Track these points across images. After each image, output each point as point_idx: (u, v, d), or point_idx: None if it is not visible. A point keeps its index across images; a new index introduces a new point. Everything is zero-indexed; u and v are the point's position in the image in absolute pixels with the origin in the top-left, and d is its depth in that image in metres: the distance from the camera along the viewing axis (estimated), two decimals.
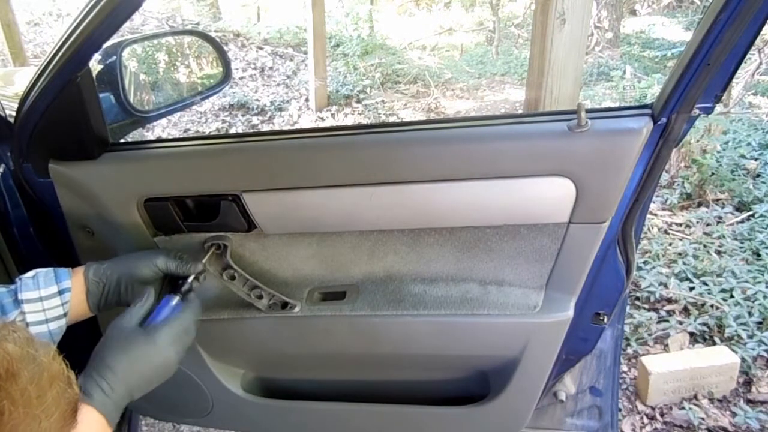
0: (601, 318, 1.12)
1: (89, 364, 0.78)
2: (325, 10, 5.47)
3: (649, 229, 3.06)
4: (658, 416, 1.93)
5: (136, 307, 0.86)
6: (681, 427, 1.88)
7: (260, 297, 1.10)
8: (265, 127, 5.25)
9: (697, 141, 3.38)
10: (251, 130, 5.16)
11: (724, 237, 2.89)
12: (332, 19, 7.19)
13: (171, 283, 0.99)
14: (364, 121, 5.35)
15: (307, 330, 1.14)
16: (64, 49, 0.88)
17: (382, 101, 5.76)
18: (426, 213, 1.01)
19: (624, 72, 5.36)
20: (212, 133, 5.00)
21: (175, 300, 0.91)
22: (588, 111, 0.88)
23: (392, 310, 1.09)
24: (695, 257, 2.73)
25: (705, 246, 2.83)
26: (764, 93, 5.23)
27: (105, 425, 0.73)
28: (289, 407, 1.26)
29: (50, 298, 0.86)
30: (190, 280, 0.96)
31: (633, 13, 9.58)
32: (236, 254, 1.11)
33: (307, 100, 5.63)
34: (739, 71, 0.96)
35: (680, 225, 3.12)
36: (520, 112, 5.10)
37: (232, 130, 5.15)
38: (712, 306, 2.36)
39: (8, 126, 1.07)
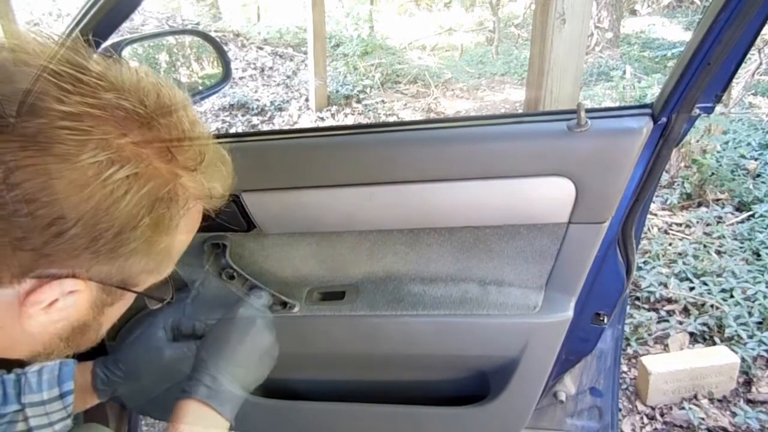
0: (601, 318, 1.12)
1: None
2: (325, 10, 5.47)
3: (649, 229, 3.06)
4: (658, 416, 1.93)
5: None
6: (681, 427, 1.88)
7: (259, 297, 1.10)
8: (265, 127, 5.24)
9: (697, 141, 3.38)
10: (251, 130, 5.16)
11: (724, 237, 2.88)
12: (332, 19, 7.19)
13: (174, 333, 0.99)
14: (364, 121, 5.35)
15: (306, 330, 1.14)
16: None
17: (382, 101, 5.75)
18: (425, 213, 1.01)
19: (624, 72, 5.36)
20: (212, 133, 4.99)
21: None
22: (588, 111, 0.88)
23: (392, 310, 1.09)
24: (695, 257, 2.72)
25: (705, 246, 2.83)
26: (764, 93, 5.22)
27: (214, 417, 0.75)
28: (288, 407, 1.26)
29: (52, 401, 0.86)
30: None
31: (633, 13, 9.58)
32: (235, 254, 1.10)
33: (307, 100, 5.63)
34: (739, 71, 0.96)
35: (680, 225, 3.12)
36: (519, 111, 5.09)
37: (232, 130, 5.14)
38: (712, 306, 2.36)
39: None
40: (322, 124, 5.26)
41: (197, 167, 0.53)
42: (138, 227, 0.49)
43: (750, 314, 2.29)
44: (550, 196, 0.94)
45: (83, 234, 0.46)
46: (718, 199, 3.28)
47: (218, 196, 0.58)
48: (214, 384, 0.75)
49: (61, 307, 0.51)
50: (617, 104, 4.56)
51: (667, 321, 2.33)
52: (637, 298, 2.50)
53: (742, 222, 3.04)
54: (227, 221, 1.04)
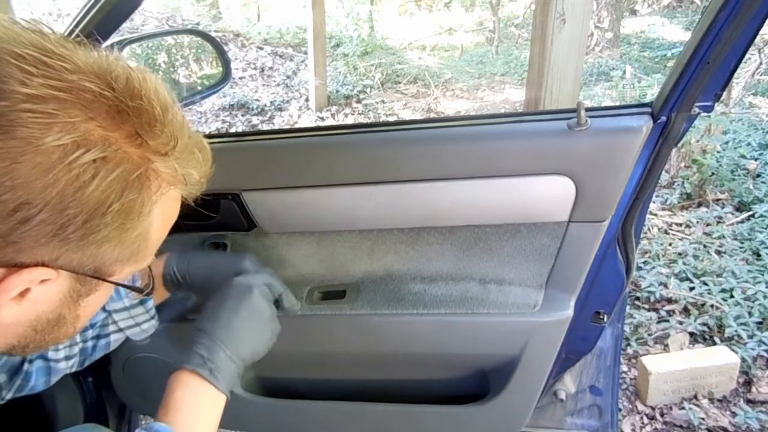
0: (601, 317, 1.12)
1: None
2: (325, 10, 5.47)
3: (649, 229, 3.06)
4: (658, 416, 1.93)
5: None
6: (681, 427, 1.88)
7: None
8: (265, 127, 5.25)
9: (697, 141, 3.37)
10: (251, 130, 5.16)
11: (724, 237, 2.88)
12: (332, 19, 7.20)
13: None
14: (364, 121, 5.35)
15: (307, 329, 1.14)
16: None
17: (382, 101, 5.76)
18: (426, 212, 1.01)
19: (624, 72, 5.36)
20: (212, 132, 5.00)
21: None
22: (588, 109, 0.88)
23: (392, 309, 1.09)
24: (695, 257, 2.72)
25: (705, 246, 2.83)
26: (764, 93, 5.22)
27: (206, 388, 0.73)
28: (288, 406, 1.26)
29: (135, 307, 0.88)
30: None
31: (633, 13, 9.58)
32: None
33: (307, 100, 5.63)
34: (739, 71, 0.96)
35: (680, 225, 3.12)
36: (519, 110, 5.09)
37: (232, 130, 5.14)
38: (712, 306, 2.36)
39: None
40: (322, 124, 5.26)
41: (170, 152, 0.52)
42: (108, 213, 0.48)
43: (750, 314, 2.29)
44: (550, 194, 0.94)
45: (50, 220, 0.45)
46: (718, 199, 3.28)
47: (194, 183, 0.57)
48: (209, 354, 0.74)
49: (34, 297, 0.50)
50: (617, 104, 4.55)
51: (667, 321, 2.33)
52: (637, 298, 2.50)
53: (742, 222, 3.04)
54: (228, 220, 1.04)
